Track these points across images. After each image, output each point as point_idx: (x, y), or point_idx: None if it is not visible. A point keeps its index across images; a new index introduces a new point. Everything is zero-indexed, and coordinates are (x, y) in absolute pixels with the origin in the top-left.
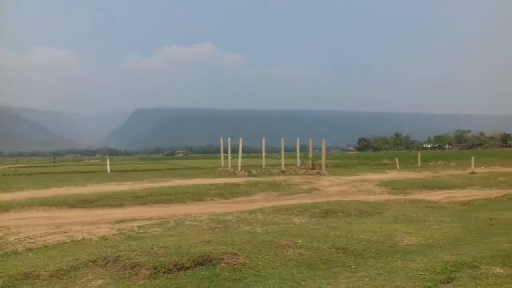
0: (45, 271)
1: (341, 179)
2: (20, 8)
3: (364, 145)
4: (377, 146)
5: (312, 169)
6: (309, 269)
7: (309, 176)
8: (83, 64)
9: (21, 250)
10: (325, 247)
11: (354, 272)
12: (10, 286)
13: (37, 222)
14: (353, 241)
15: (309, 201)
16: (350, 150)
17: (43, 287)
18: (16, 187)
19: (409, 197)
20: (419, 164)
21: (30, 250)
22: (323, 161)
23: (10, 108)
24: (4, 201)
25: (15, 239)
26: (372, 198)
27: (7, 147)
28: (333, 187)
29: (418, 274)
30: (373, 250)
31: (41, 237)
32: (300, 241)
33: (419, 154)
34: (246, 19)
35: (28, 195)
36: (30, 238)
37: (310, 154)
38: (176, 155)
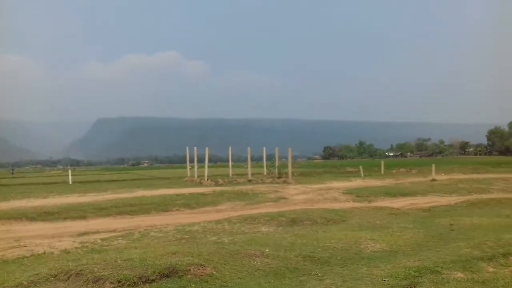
0: (3, 287)
1: (307, 187)
2: None
3: (329, 153)
4: (342, 155)
5: (279, 177)
6: (276, 278)
7: (276, 185)
8: (41, 72)
9: None
10: (292, 256)
11: (320, 280)
12: None
13: None
14: (320, 249)
15: (275, 210)
16: (315, 159)
17: None
18: None
19: (373, 204)
20: (382, 172)
21: None
22: (290, 169)
23: None
24: None
25: None
26: (337, 205)
27: None
28: (299, 195)
29: (382, 280)
30: (339, 258)
31: None
32: (267, 250)
33: (382, 162)
34: (210, 27)
35: None
36: None
37: (277, 163)
38: (141, 165)
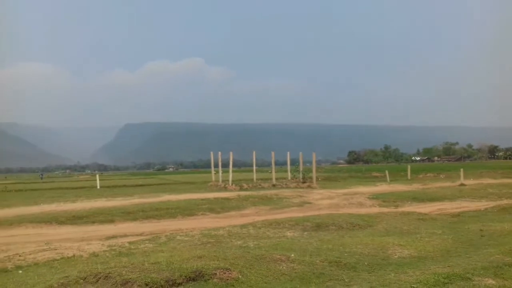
0: None
1: (332, 192)
2: (4, 24)
3: (354, 158)
4: (367, 159)
5: (303, 182)
6: (302, 283)
7: (300, 190)
8: (70, 79)
9: (11, 268)
10: (317, 261)
11: (347, 285)
12: None
13: (27, 239)
14: (346, 255)
15: (300, 214)
16: (340, 163)
17: None
18: (5, 204)
19: (400, 209)
20: (409, 177)
21: (19, 267)
22: (314, 174)
23: None
24: None
25: (4, 256)
26: (363, 211)
27: None
28: (324, 200)
29: (411, 286)
30: (365, 263)
31: (30, 254)
32: (292, 255)
33: (409, 167)
34: (233, 33)
35: (17, 212)
36: (20, 256)
37: (301, 168)
38: (166, 170)
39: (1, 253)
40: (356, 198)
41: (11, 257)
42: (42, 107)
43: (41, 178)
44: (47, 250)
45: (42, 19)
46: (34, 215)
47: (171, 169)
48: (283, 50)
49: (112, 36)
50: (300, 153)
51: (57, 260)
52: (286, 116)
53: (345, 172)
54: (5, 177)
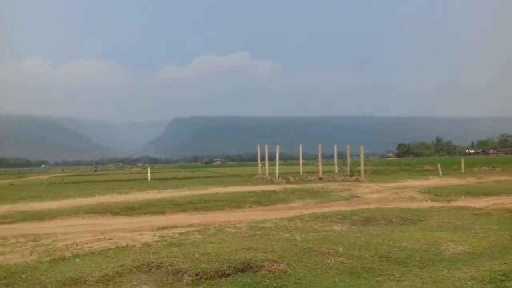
0: (91, 277)
1: (381, 186)
2: (60, 22)
3: (404, 151)
4: (418, 152)
5: (351, 176)
6: (351, 278)
7: (348, 183)
8: (122, 76)
9: (69, 256)
10: (367, 255)
11: (398, 281)
12: None
13: (83, 229)
14: (396, 250)
15: (348, 208)
16: (389, 157)
17: None
18: (62, 195)
19: (453, 204)
20: (463, 170)
21: (77, 256)
22: (362, 167)
23: (51, 118)
24: (51, 209)
25: (63, 245)
26: (414, 205)
27: (51, 157)
28: (372, 194)
29: (465, 283)
30: (417, 259)
31: (87, 243)
32: (341, 249)
33: (462, 160)
34: (279, 27)
35: (74, 203)
36: (77, 245)
37: (348, 161)
38: (213, 163)
39: (59, 242)
40: (406, 192)
41: (69, 246)
42: (96, 103)
43: (95, 171)
44: (102, 240)
45: (96, 17)
46: (90, 206)
47: (218, 162)
48: (328, 42)
49: (162, 33)
50: (348, 146)
51: (112, 249)
52: (333, 109)
53: (395, 166)
54: (62, 170)
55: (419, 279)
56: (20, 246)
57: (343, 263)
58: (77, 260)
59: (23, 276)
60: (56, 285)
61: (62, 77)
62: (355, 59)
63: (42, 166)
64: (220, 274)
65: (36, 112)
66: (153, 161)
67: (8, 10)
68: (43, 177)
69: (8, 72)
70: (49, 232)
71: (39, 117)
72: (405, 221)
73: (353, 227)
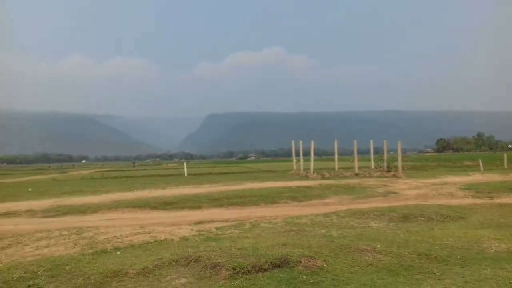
0: (132, 269)
1: (419, 182)
2: (100, 21)
3: (443, 146)
4: (458, 147)
5: (388, 171)
6: (389, 275)
7: (385, 179)
8: (158, 72)
9: (110, 249)
10: (406, 253)
11: (439, 279)
12: (101, 283)
13: (123, 223)
14: (436, 247)
15: (385, 204)
16: (427, 152)
17: (131, 285)
18: (103, 190)
19: (496, 201)
20: (506, 166)
21: (118, 249)
22: (399, 163)
23: (91, 115)
24: (93, 203)
25: (104, 238)
26: (454, 202)
27: (92, 152)
28: (411, 190)
29: (510, 283)
30: (458, 257)
31: (127, 237)
32: (378, 245)
33: (505, 155)
34: (314, 22)
35: (114, 197)
36: (117, 238)
37: (385, 156)
38: (248, 159)
39: (101, 235)
40: (446, 188)
41: (110, 239)
42: (134, 100)
43: (133, 166)
44: (141, 233)
45: (134, 16)
46: (129, 200)
47: (252, 157)
48: (365, 36)
49: (198, 30)
50: (384, 141)
51: (151, 242)
52: (369, 103)
53: (433, 161)
54: (102, 165)
55: (461, 278)
56: (64, 239)
57: (381, 260)
58: (118, 252)
59: (67, 268)
60: (98, 277)
61: (102, 75)
62: (392, 53)
63: (83, 161)
64: (257, 269)
65: (77, 109)
66: (188, 157)
67: (51, 10)
68: (84, 172)
69: (51, 70)
70: (91, 226)
71: (81, 114)
72: (445, 218)
73: (391, 224)
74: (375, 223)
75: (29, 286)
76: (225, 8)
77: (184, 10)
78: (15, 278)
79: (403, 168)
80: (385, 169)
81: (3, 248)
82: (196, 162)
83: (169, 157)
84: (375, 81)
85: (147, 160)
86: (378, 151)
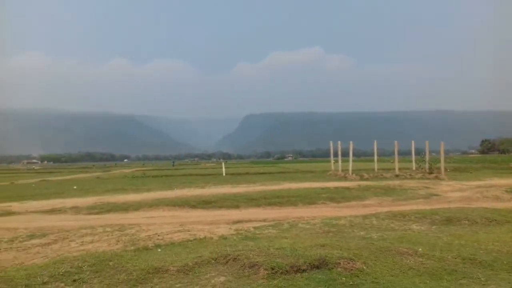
0: (173, 266)
1: (463, 184)
2: (138, 25)
3: (488, 147)
4: (504, 149)
5: (430, 173)
6: (432, 279)
7: (426, 181)
8: (198, 74)
9: (151, 246)
10: (449, 257)
11: (483, 284)
12: (143, 279)
13: (164, 221)
14: (481, 252)
15: (427, 207)
16: (471, 153)
17: (172, 281)
18: (144, 188)
19: None
20: None
21: (158, 246)
22: (442, 164)
23: (132, 115)
24: (134, 201)
25: (146, 235)
26: (500, 205)
27: (133, 152)
28: (454, 192)
29: None
30: (505, 262)
31: (167, 234)
32: (420, 249)
33: None
34: (352, 20)
35: (154, 195)
36: (158, 235)
37: (427, 157)
38: (285, 159)
39: (142, 232)
40: (491, 191)
41: (151, 236)
42: (173, 100)
43: (173, 165)
44: (181, 231)
45: (172, 19)
46: (169, 199)
47: (290, 158)
48: (405, 35)
49: (237, 31)
50: (426, 142)
51: (191, 241)
52: (409, 103)
53: (478, 163)
54: (143, 164)
55: (507, 283)
56: (107, 236)
57: (423, 263)
58: (159, 250)
59: (111, 263)
60: (140, 273)
61: (143, 77)
62: (432, 52)
63: (125, 160)
64: (295, 269)
65: (119, 110)
66: (226, 156)
67: (92, 15)
68: (126, 170)
69: (95, 73)
70: (133, 223)
71: (122, 114)
72: (490, 222)
73: (433, 227)
74: (416, 225)
75: (74, 280)
76: (263, 8)
77: (222, 12)
78: (61, 273)
79: (445, 169)
80: (427, 170)
81: (49, 244)
82: (233, 162)
83: (207, 156)
84: (417, 80)
85: (186, 160)
86: (419, 152)
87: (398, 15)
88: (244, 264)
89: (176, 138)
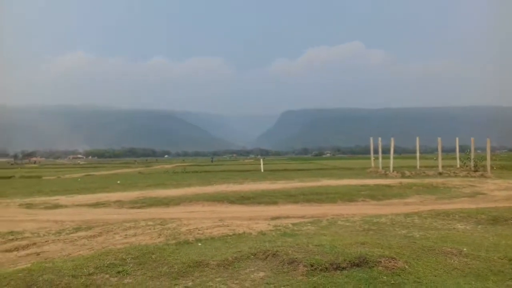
0: (213, 261)
1: (510, 182)
2: (178, 25)
3: None
4: None
5: (475, 171)
6: (477, 280)
7: (471, 179)
8: (235, 70)
9: (192, 240)
10: (495, 257)
11: None
12: (184, 272)
13: (203, 216)
14: None
15: (472, 206)
16: None
17: (212, 275)
18: (185, 183)
19: None
20: None
21: (199, 240)
22: (488, 162)
23: (173, 112)
24: (175, 196)
25: (186, 230)
26: None
27: (173, 148)
28: (501, 191)
29: None
30: None
31: (207, 229)
32: (465, 249)
33: None
34: (392, 15)
35: (194, 190)
36: (198, 230)
37: (472, 155)
38: (323, 156)
39: (183, 226)
40: None
41: (191, 230)
42: (212, 97)
43: (212, 161)
44: (221, 226)
45: (210, 16)
46: (209, 194)
47: (328, 154)
48: (448, 30)
49: (274, 27)
50: (472, 138)
51: (230, 235)
52: (453, 99)
53: None
54: (183, 160)
55: None
56: (149, 229)
57: (468, 264)
58: (199, 244)
59: (153, 256)
60: (181, 266)
61: (183, 74)
62: (478, 45)
63: (166, 156)
64: (334, 266)
65: (160, 106)
66: (264, 153)
67: (133, 15)
68: (167, 166)
69: (137, 71)
70: (174, 217)
71: (163, 111)
72: None
73: (479, 226)
74: (461, 225)
75: (118, 272)
76: (302, 3)
77: (260, 8)
78: (106, 264)
79: (492, 167)
80: (472, 168)
81: (95, 236)
82: (271, 159)
83: (246, 153)
84: (460, 76)
85: (224, 156)
86: (464, 150)
87: (441, 12)
88: (283, 260)
89: (215, 135)
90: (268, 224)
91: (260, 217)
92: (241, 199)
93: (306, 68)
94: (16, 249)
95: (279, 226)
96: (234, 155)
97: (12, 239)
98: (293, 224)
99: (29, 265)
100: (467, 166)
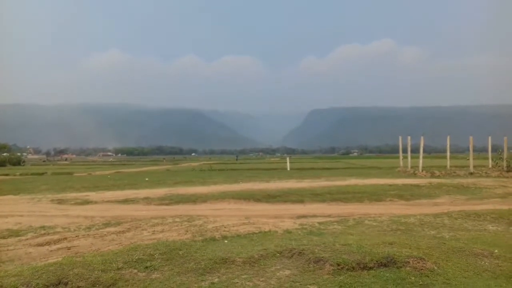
0: (239, 258)
1: None
2: (209, 24)
3: None
4: None
5: (508, 171)
6: (509, 283)
7: (504, 179)
8: (263, 69)
9: (218, 237)
10: None
11: None
12: (210, 268)
13: (229, 213)
14: None
15: (504, 207)
16: None
17: (238, 272)
18: (211, 181)
19: None
20: None
21: (225, 237)
22: None
23: (200, 110)
24: (202, 193)
25: (213, 227)
26: None
27: (200, 146)
28: None
29: None
30: None
31: (233, 226)
32: (496, 250)
33: None
34: (425, 11)
35: (221, 188)
36: (225, 227)
37: (505, 154)
38: (350, 154)
39: (210, 223)
40: None
41: (218, 228)
42: (240, 96)
43: (237, 160)
44: (247, 224)
45: (240, 15)
46: (235, 192)
47: (355, 153)
48: (486, 24)
49: (303, 25)
50: (505, 137)
51: (256, 233)
52: (486, 97)
53: None
54: (209, 158)
55: None
56: (177, 226)
57: (500, 266)
58: (226, 241)
59: (180, 252)
60: (208, 262)
61: (211, 73)
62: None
63: (193, 154)
64: (361, 266)
65: (189, 105)
66: (290, 152)
67: (166, 14)
68: (194, 164)
69: (168, 70)
70: (201, 214)
71: (191, 109)
72: None
73: (511, 228)
74: (492, 226)
75: (146, 267)
76: (332, 2)
77: (289, 6)
78: (135, 260)
79: None
80: (505, 168)
81: (123, 232)
82: (298, 157)
83: (272, 151)
84: (497, 73)
85: (250, 154)
86: (496, 149)
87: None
88: (309, 258)
89: (242, 133)
90: (294, 222)
91: (286, 215)
92: (267, 197)
93: (334, 67)
94: (48, 243)
95: (305, 224)
96: (260, 153)
97: (44, 233)
98: (319, 223)
99: (60, 259)
100: (499, 166)
